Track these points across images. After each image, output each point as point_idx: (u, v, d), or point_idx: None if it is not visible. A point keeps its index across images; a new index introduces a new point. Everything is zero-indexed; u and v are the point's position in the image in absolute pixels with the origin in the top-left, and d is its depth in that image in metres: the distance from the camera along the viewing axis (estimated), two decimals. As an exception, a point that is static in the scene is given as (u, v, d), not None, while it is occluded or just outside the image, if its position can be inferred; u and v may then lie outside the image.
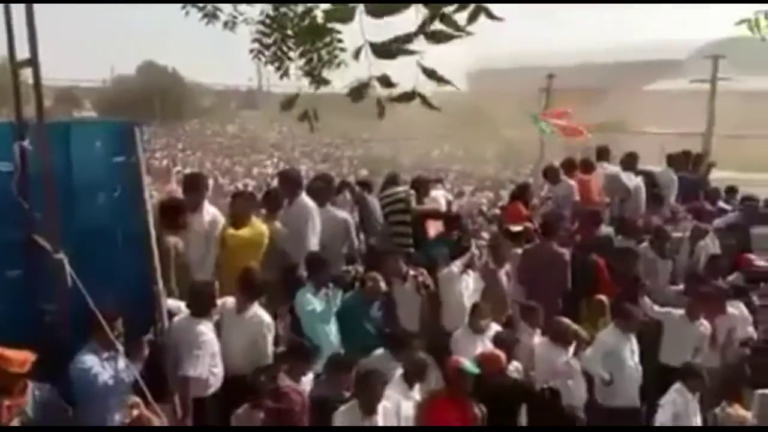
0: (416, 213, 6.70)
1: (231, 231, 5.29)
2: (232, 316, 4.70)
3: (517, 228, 6.80)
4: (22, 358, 3.44)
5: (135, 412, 3.53)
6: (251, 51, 3.21)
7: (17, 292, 3.99)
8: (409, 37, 1.64)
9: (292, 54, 3.15)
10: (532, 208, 7.73)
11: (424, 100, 1.88)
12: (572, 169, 8.39)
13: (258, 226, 5.38)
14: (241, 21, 3.07)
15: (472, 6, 1.58)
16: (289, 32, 3.12)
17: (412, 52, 1.65)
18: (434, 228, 6.89)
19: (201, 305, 4.40)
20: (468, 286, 5.84)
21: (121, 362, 3.83)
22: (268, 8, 3.09)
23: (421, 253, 6.26)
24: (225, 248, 5.25)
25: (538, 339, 5.63)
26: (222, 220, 5.36)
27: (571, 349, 5.48)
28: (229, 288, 4.80)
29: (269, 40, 3.14)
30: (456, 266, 5.81)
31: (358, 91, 1.85)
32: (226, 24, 3.09)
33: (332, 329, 5.19)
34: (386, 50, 1.65)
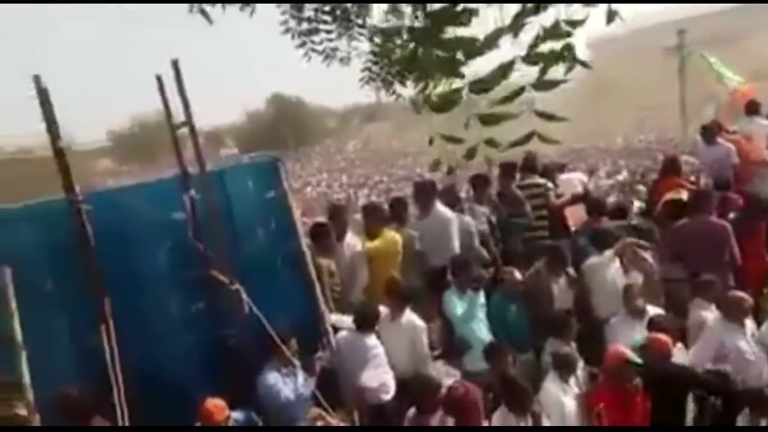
0: (554, 207, 6.54)
1: (367, 244, 5.58)
2: (388, 323, 4.96)
3: (679, 196, 6.35)
4: (221, 406, 3.87)
5: (319, 423, 3.88)
6: (361, 80, 3.44)
7: (203, 322, 4.54)
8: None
9: (400, 78, 3.36)
10: (684, 182, 7.11)
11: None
12: (720, 131, 7.72)
13: (390, 236, 5.62)
14: (355, 56, 3.30)
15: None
16: (397, 58, 3.33)
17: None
18: (573, 215, 6.70)
19: (367, 322, 4.73)
20: (619, 272, 5.61)
21: (300, 377, 4.22)
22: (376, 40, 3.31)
23: (566, 244, 6.09)
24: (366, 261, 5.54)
25: (712, 315, 5.24)
26: (358, 240, 5.63)
27: (749, 324, 5.05)
28: (373, 297, 5.09)
29: (377, 68, 3.36)
30: (605, 256, 5.61)
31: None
32: (341, 60, 3.34)
33: (481, 327, 5.29)
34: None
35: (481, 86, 2.65)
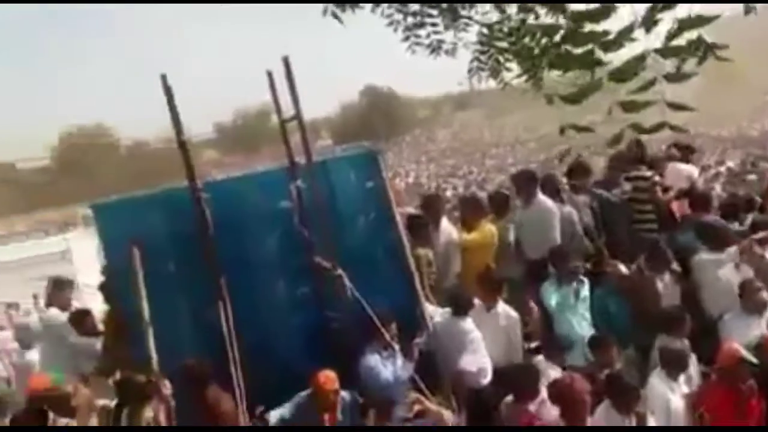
0: (661, 201, 6.29)
1: (464, 235, 5.63)
2: (482, 313, 4.99)
3: None
4: (333, 377, 4.09)
5: (416, 407, 4.01)
6: (469, 71, 3.49)
7: (308, 305, 4.80)
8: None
9: (509, 65, 3.40)
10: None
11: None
12: None
13: (487, 228, 5.63)
14: (461, 46, 3.37)
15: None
16: (506, 45, 3.36)
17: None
18: (680, 208, 6.39)
19: (461, 306, 4.79)
20: (731, 268, 5.31)
21: (399, 361, 4.37)
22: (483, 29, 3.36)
23: (670, 239, 5.85)
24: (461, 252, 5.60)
25: None
26: (453, 229, 5.69)
27: None
28: (467, 288, 5.13)
29: (485, 57, 3.41)
30: (727, 253, 5.34)
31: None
32: (447, 52, 3.42)
33: (581, 321, 5.21)
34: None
35: (619, 76, 2.76)
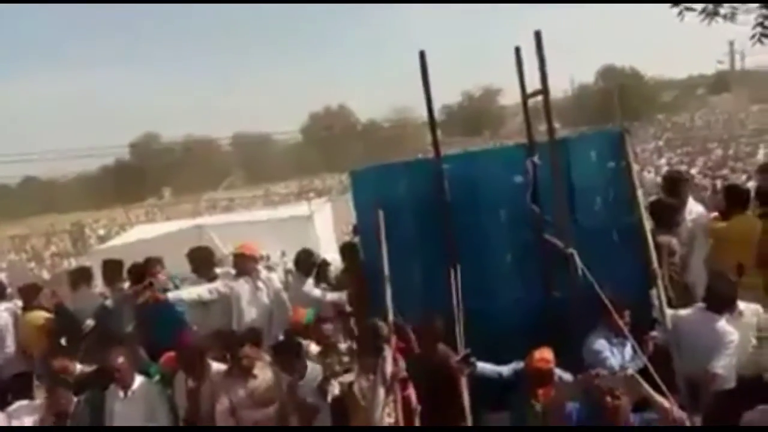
0: None
1: (718, 224, 5.10)
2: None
3: None
4: (550, 358, 4.04)
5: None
6: (752, 36, 3.13)
7: (533, 281, 4.81)
8: None
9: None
10: None
11: None
12: None
13: (749, 221, 5.02)
14: (742, 12, 3.03)
15: None
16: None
17: None
18: None
19: (723, 303, 4.27)
20: None
21: (628, 350, 4.17)
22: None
23: None
24: (712, 242, 5.09)
25: None
26: (703, 213, 5.22)
27: None
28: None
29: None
30: None
31: None
32: (725, 17, 3.11)
33: None
34: None
35: None
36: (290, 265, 7.50)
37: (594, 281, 4.10)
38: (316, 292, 5.89)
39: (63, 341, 5.60)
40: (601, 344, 4.21)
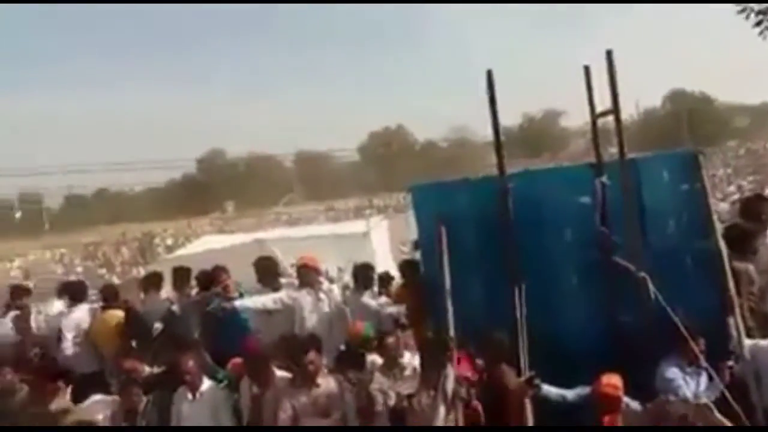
0: None
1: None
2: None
3: None
4: (619, 384, 3.91)
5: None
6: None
7: (600, 305, 4.69)
8: None
9: None
10: None
11: None
12: None
13: None
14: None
15: None
16: None
17: None
18: None
19: None
20: None
21: (704, 380, 3.99)
22: None
23: None
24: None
25: None
26: None
27: None
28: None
29: None
30: None
31: None
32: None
33: None
34: None
35: None
36: (346, 279, 7.58)
37: (667, 307, 3.96)
38: (374, 304, 5.93)
39: (133, 343, 5.85)
40: (673, 372, 4.05)
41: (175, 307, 5.88)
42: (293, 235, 12.27)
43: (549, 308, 4.62)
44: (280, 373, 4.55)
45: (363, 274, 6.23)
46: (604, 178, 4.64)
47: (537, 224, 4.73)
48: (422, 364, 4.31)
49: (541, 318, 4.46)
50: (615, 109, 4.28)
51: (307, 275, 5.80)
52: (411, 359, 4.64)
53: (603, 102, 4.66)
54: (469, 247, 4.85)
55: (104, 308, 6.16)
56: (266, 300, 5.65)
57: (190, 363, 4.51)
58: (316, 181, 54.99)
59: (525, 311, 4.38)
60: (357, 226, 11.67)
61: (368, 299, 6.00)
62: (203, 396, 4.51)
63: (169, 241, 31.72)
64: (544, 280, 4.66)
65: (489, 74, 4.43)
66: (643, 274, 4.18)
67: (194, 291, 6.06)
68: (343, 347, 5.21)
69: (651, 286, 4.12)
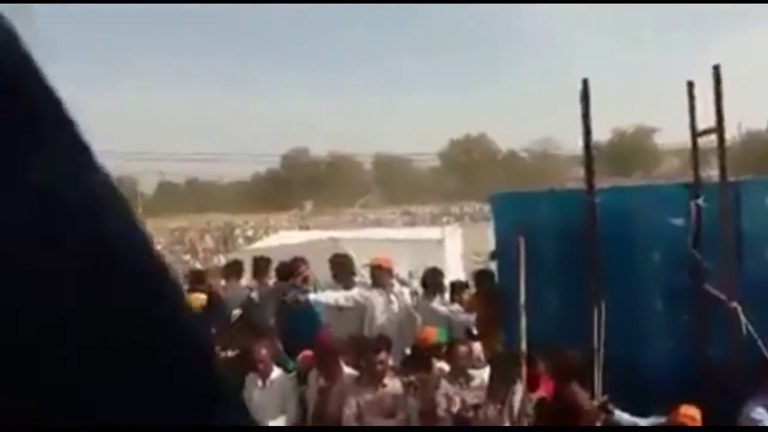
0: None
1: None
2: None
3: None
4: (697, 417, 3.71)
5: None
6: None
7: (685, 333, 4.44)
8: None
9: None
10: None
11: None
12: None
13: None
14: None
15: None
16: None
17: None
18: None
19: None
20: None
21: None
22: None
23: None
24: None
25: None
26: None
27: None
28: None
29: None
30: None
31: None
32: None
33: None
34: None
35: None
36: (415, 285, 7.60)
37: (759, 341, 3.70)
38: (444, 310, 5.89)
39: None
40: (761, 414, 3.77)
41: (254, 295, 6.09)
42: (368, 236, 12.42)
43: (629, 331, 4.42)
44: (347, 370, 4.61)
45: (433, 280, 6.21)
46: (700, 200, 4.40)
47: (623, 242, 4.55)
48: (491, 376, 4.24)
49: (620, 340, 4.28)
50: (719, 128, 4.04)
51: (381, 276, 5.84)
52: (480, 370, 4.58)
53: (702, 120, 4.43)
54: (548, 260, 4.73)
55: (190, 291, 6.47)
56: (339, 296, 5.74)
57: (264, 351, 4.65)
58: (393, 184, 55.29)
59: (603, 332, 4.22)
60: (432, 232, 11.65)
61: (438, 305, 5.97)
62: (273, 384, 4.64)
63: (249, 233, 32.89)
64: (626, 302, 4.47)
65: (585, 83, 4.31)
66: (735, 304, 3.92)
67: (272, 281, 6.25)
68: (408, 351, 5.21)
69: (743, 318, 3.85)
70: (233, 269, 6.71)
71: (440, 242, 10.35)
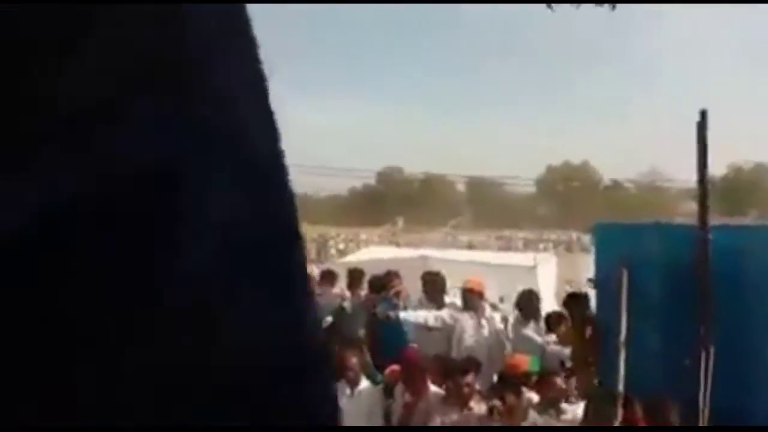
0: None
1: None
2: None
3: None
4: None
5: None
6: None
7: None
8: None
9: None
10: None
11: None
12: None
13: None
14: None
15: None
16: None
17: None
18: None
19: None
20: None
21: None
22: None
23: None
24: None
25: None
26: None
27: None
28: None
29: None
30: None
31: None
32: None
33: None
34: None
35: None
36: (506, 310, 7.45)
37: None
38: (539, 339, 5.74)
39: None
40: None
41: (346, 304, 6.25)
42: (458, 257, 12.35)
43: (738, 379, 4.12)
44: (433, 389, 4.60)
45: (528, 304, 6.07)
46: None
47: (736, 284, 4.25)
48: (585, 413, 4.08)
49: (728, 389, 3.99)
50: None
51: (472, 299, 5.81)
52: (572, 405, 4.42)
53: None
54: (652, 296, 4.50)
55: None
56: (429, 316, 5.76)
57: (354, 360, 4.74)
58: (486, 206, 54.70)
59: (710, 380, 3.95)
60: (524, 258, 11.42)
61: (532, 332, 5.83)
62: (360, 394, 4.71)
63: (341, 246, 33.62)
64: (736, 347, 4.17)
65: (703, 114, 4.09)
66: None
67: (364, 293, 6.38)
68: (495, 377, 5.12)
69: None
70: (327, 278, 6.93)
71: (533, 269, 10.12)
